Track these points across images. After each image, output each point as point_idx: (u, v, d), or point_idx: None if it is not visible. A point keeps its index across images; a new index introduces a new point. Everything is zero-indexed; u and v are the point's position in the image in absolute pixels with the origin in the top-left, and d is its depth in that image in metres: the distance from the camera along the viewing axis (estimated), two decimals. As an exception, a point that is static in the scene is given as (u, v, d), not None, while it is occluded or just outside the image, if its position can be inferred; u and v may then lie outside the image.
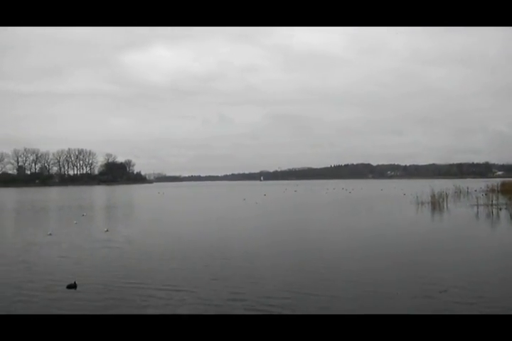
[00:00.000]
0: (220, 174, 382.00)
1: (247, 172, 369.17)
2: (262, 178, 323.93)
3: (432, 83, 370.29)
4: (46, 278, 15.07)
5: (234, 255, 19.06)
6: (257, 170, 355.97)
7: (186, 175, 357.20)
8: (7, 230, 30.50)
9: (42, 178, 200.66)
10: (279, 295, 12.57)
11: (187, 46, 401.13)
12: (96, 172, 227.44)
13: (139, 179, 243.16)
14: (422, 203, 45.84)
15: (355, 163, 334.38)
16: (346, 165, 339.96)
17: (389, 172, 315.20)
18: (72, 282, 13.71)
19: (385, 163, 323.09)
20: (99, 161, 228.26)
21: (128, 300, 12.41)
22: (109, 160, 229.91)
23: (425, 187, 61.23)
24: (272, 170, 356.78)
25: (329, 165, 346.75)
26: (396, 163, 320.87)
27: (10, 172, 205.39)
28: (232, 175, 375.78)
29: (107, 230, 27.61)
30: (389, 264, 16.69)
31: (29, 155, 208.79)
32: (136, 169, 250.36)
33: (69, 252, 20.38)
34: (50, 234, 25.96)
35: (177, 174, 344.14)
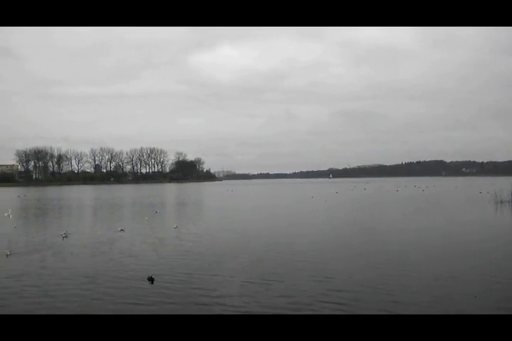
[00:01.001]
0: (289, 172, 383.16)
1: (315, 169, 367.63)
2: (330, 176, 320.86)
3: (507, 74, 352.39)
4: (123, 272, 15.43)
5: (303, 252, 18.62)
6: (325, 168, 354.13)
7: (255, 173, 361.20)
8: (83, 225, 31.63)
9: (116, 176, 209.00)
10: (350, 292, 12.20)
11: (253, 45, 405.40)
12: (167, 170, 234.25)
13: (209, 177, 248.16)
14: (502, 202, 43.37)
15: (427, 160, 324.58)
16: (418, 162, 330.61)
17: (464, 169, 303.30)
18: (150, 275, 14.12)
19: (460, 159, 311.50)
20: (170, 159, 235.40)
21: (200, 292, 12.52)
22: (180, 159, 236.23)
23: (504, 184, 57.97)
24: (341, 168, 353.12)
25: (400, 162, 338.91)
26: (472, 160, 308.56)
27: (88, 170, 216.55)
28: (301, 172, 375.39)
29: (176, 227, 27.98)
30: (467, 265, 15.69)
31: (105, 154, 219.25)
32: (205, 167, 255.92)
33: (139, 247, 20.77)
34: (122, 230, 26.65)
35: (246, 172, 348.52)
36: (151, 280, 13.86)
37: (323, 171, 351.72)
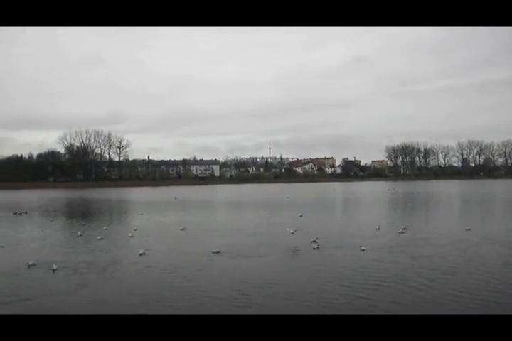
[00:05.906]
0: None
1: None
2: None
3: None
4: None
5: None
6: None
7: None
8: (424, 220, 30.53)
9: (486, 170, 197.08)
10: None
11: None
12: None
13: None
14: None
15: None
16: None
17: None
18: None
19: None
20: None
21: None
22: None
23: None
24: None
25: None
26: None
27: (455, 164, 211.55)
28: None
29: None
30: None
31: (473, 147, 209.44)
32: None
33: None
34: (469, 230, 24.40)
35: None
36: None
37: None
